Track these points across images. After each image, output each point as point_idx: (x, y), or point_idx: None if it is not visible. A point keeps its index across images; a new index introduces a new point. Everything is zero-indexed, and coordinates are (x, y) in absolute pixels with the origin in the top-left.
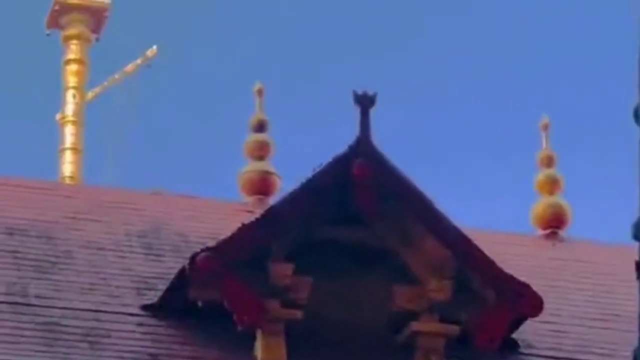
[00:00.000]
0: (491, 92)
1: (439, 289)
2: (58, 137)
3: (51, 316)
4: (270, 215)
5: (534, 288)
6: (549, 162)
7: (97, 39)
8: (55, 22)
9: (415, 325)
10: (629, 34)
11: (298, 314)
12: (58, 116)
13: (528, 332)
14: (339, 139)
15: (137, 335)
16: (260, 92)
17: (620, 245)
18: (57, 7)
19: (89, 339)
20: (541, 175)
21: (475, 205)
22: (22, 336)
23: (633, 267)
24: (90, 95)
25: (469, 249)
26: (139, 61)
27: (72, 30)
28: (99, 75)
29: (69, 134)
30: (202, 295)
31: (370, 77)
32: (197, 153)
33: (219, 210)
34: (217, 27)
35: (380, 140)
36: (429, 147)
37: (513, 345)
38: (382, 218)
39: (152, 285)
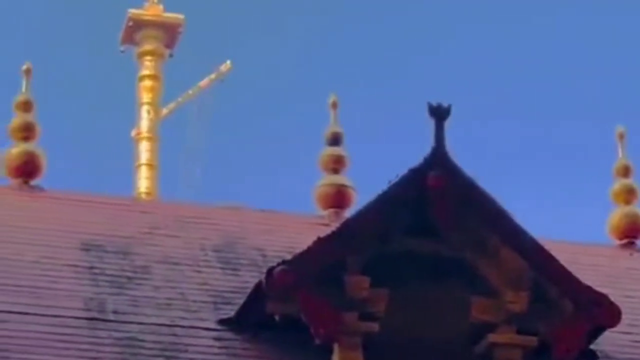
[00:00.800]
0: (567, 102)
1: (516, 300)
2: (133, 153)
3: (129, 331)
4: (346, 229)
5: (612, 298)
6: (625, 172)
7: (171, 55)
8: (129, 38)
9: (492, 337)
10: None
11: (375, 326)
12: (133, 132)
13: (606, 343)
14: (414, 151)
15: (215, 350)
16: (334, 104)
17: None
18: (131, 24)
19: (167, 353)
20: (617, 185)
21: (551, 215)
22: (100, 352)
23: None
24: (164, 111)
25: (546, 260)
26: (212, 76)
27: (146, 47)
28: (173, 91)
29: (144, 150)
30: (279, 309)
31: (445, 88)
32: (272, 167)
33: (295, 224)
34: (290, 41)
35: (456, 151)
36: (504, 157)
37: (591, 357)
38: (458, 229)
39: (229, 299)
